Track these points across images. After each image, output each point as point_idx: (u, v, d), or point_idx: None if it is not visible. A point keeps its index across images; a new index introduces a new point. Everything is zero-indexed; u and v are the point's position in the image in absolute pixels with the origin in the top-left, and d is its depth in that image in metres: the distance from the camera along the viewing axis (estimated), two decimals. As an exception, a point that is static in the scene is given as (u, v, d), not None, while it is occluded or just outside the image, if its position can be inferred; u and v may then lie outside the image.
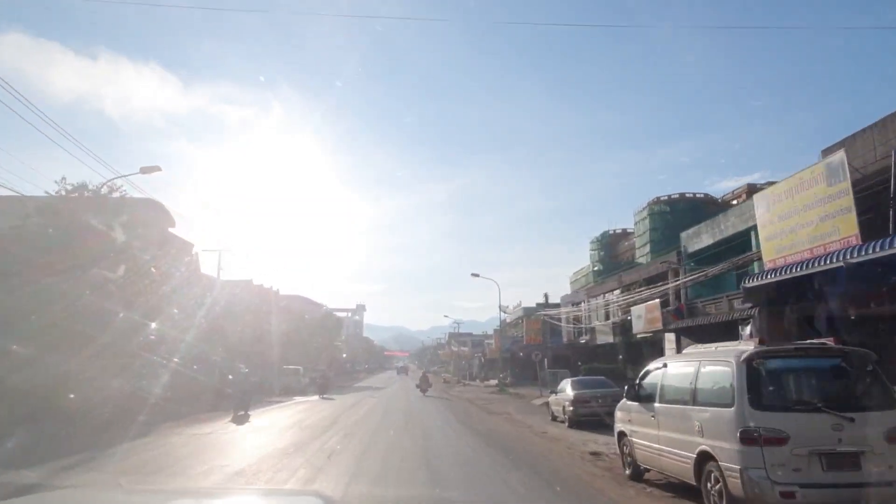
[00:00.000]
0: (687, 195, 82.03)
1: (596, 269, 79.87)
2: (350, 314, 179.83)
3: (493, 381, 54.18)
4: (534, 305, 55.12)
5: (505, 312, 70.07)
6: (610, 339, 34.20)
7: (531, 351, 43.75)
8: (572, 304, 41.15)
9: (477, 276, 44.11)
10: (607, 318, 35.69)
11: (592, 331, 37.24)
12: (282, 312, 69.41)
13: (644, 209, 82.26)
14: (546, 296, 46.87)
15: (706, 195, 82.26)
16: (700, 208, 79.18)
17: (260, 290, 65.61)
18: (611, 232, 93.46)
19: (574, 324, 40.01)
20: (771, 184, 74.43)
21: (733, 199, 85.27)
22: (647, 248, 72.17)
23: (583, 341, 38.92)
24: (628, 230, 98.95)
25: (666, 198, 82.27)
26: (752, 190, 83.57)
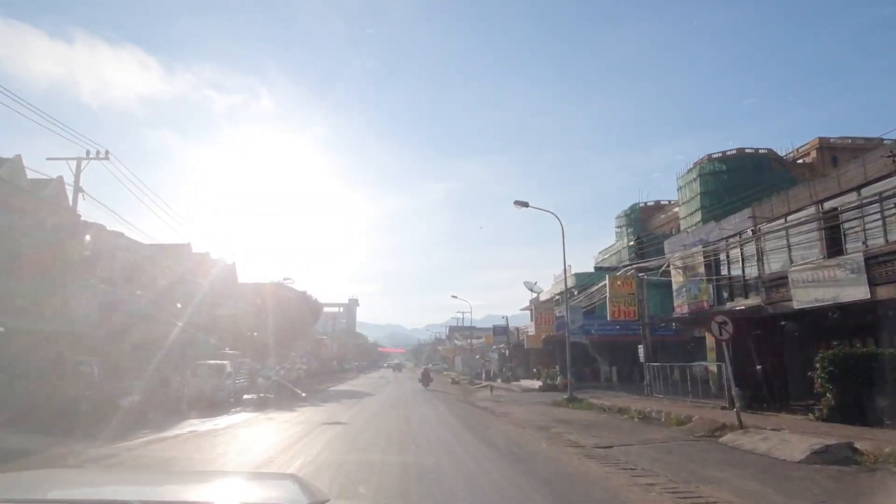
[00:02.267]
0: (747, 150, 62.84)
1: (631, 244, 59.98)
2: (341, 309, 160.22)
3: (534, 383, 34.39)
4: (591, 271, 35.36)
5: (532, 290, 50.52)
6: (852, 295, 14.43)
7: (621, 332, 24.49)
8: (704, 244, 21.31)
9: (525, 205, 24.37)
10: (835, 250, 15.90)
11: (779, 286, 17.48)
12: (235, 295, 49.70)
13: (692, 170, 63.01)
14: (639, 238, 26.90)
15: (769, 150, 63.34)
16: (764, 166, 60.09)
17: (203, 259, 45.65)
18: (641, 205, 74.51)
19: (714, 275, 20.24)
20: (843, 139, 53.94)
21: (799, 158, 65.85)
22: (698, 216, 53.15)
23: (741, 308, 19.15)
24: (661, 202, 79.94)
25: (720, 154, 63.02)
26: (823, 144, 63.50)
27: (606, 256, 69.64)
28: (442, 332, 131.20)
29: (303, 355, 63.15)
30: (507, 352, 43.09)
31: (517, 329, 42.00)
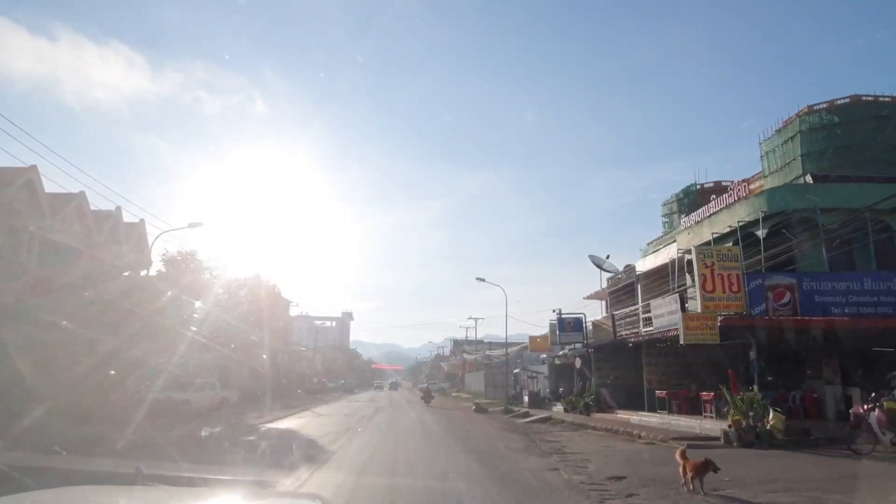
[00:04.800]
0: (865, 98, 44.35)
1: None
2: (334, 323, 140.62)
3: (656, 418, 15.30)
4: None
5: (603, 268, 31.62)
6: None
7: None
8: None
9: None
10: None
11: None
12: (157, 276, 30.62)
13: (785, 128, 45.01)
14: None
15: (893, 98, 44.98)
16: (891, 117, 42.24)
17: (69, 200, 26.62)
18: (697, 187, 56.26)
19: None
20: None
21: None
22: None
23: None
24: (723, 182, 61.77)
25: (825, 105, 44.53)
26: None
27: (660, 248, 51.57)
28: (444, 348, 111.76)
29: (272, 367, 43.48)
30: (578, 361, 24.17)
31: (612, 316, 22.92)
